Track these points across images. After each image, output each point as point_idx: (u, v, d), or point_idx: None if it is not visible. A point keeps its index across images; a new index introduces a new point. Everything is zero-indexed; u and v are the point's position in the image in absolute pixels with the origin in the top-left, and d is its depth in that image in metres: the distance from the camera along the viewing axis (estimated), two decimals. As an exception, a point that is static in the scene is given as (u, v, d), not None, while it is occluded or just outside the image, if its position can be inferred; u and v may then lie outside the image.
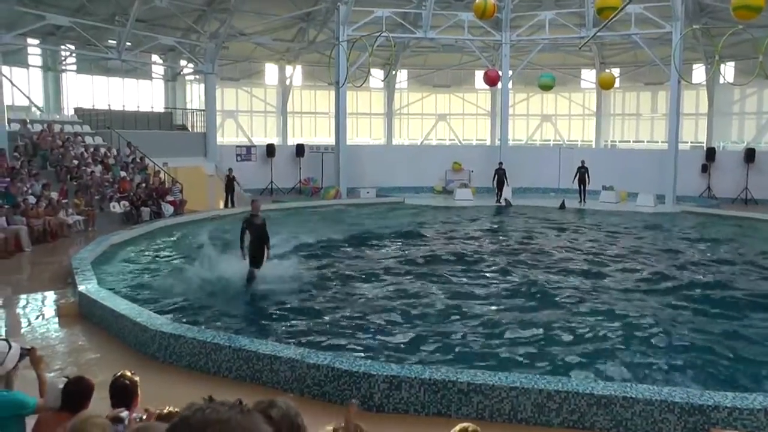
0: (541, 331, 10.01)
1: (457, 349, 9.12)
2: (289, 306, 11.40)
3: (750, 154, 31.32)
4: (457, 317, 10.78)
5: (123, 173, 24.04)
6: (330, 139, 33.67)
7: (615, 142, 38.46)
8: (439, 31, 30.96)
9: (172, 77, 33.53)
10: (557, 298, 12.13)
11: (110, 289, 11.29)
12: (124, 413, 3.68)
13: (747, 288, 13.28)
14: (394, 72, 36.69)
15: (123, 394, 4.06)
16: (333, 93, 31.04)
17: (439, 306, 11.48)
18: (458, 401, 6.68)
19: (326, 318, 10.71)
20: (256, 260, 12.67)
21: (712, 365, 8.68)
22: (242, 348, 7.71)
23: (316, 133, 37.50)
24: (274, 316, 10.86)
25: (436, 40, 32.47)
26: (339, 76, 27.51)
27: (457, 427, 3.51)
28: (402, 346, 9.27)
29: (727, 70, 34.12)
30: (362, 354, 8.72)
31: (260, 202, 13.59)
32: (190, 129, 31.42)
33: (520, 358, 8.80)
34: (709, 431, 6.15)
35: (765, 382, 8.05)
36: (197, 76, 32.72)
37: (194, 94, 34.52)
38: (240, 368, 7.70)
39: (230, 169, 27.09)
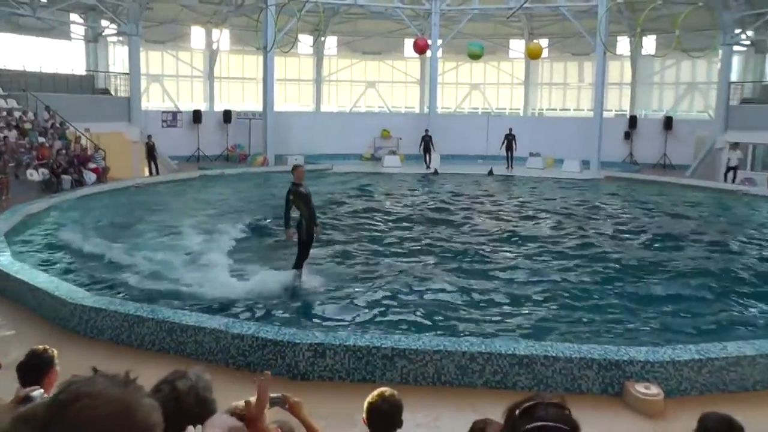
0: (474, 294, 10.33)
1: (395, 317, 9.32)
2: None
3: (668, 122, 32.82)
4: (396, 286, 10.81)
5: (42, 139, 23.05)
6: (258, 106, 33.05)
7: (542, 110, 39.17)
8: (369, -1, 30.67)
9: (94, 38, 32.12)
10: (487, 263, 12.50)
11: (26, 262, 10.72)
12: (37, 392, 3.48)
13: (661, 250, 14.07)
14: (323, 38, 36.21)
15: (33, 371, 3.88)
16: (261, 58, 30.40)
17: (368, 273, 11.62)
18: (383, 366, 6.72)
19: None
20: (306, 244, 10.70)
21: (628, 322, 9.20)
22: (165, 320, 7.51)
23: (244, 99, 36.71)
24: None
25: (366, 7, 32.19)
26: (267, 41, 26.99)
27: (375, 392, 3.50)
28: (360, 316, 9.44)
29: (649, 43, 35.11)
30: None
31: (304, 167, 11.22)
32: (113, 93, 30.29)
33: (451, 322, 9.07)
34: (624, 384, 6.41)
35: (674, 336, 8.52)
36: (120, 38, 31.44)
37: (117, 57, 33.26)
38: (163, 340, 7.51)
39: (149, 136, 26.31)
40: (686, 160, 30.98)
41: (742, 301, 10.37)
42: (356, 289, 10.56)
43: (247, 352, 7.04)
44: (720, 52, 30.29)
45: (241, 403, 2.49)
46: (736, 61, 32.72)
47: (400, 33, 36.10)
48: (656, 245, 14.61)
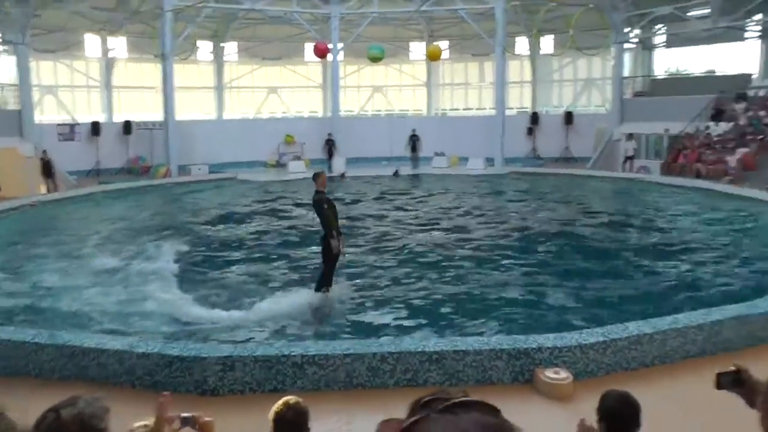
0: (396, 290, 10.52)
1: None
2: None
3: (569, 117, 34.03)
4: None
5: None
6: (159, 115, 32.08)
7: (445, 110, 39.80)
8: (267, 2, 30.32)
9: (-24, 48, 30.50)
10: (400, 258, 12.83)
11: None
12: None
13: (568, 237, 14.72)
14: (222, 44, 35.61)
15: None
16: (160, 66, 29.56)
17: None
18: (293, 375, 6.57)
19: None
20: (336, 258, 9.89)
21: (536, 309, 9.61)
22: (66, 344, 7.03)
23: (144, 108, 35.51)
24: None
25: (265, 12, 31.76)
26: (165, 47, 26.33)
27: (280, 401, 3.43)
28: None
29: (546, 43, 36.35)
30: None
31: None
32: (1, 106, 28.88)
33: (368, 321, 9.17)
34: (533, 371, 6.55)
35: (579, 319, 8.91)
36: (6, 47, 29.92)
37: (3, 68, 31.59)
38: (64, 367, 7.03)
39: (44, 151, 25.13)
40: (587, 152, 32.06)
41: (642, 278, 11.23)
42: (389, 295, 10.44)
43: (154, 372, 6.69)
44: (612, 49, 31.62)
45: (140, 423, 2.37)
46: (627, 58, 34.18)
47: (301, 37, 35.76)
48: (562, 233, 15.21)
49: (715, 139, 25.87)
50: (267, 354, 6.61)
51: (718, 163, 23.77)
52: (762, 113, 26.48)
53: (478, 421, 1.04)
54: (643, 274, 11.53)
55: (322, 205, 9.48)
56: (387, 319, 9.30)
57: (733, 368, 2.60)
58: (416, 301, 10.07)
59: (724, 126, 26.66)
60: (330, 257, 9.69)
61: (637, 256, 12.88)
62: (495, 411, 1.10)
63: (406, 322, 9.15)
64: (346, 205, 19.94)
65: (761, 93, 28.36)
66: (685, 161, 25.22)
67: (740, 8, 27.12)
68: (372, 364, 6.60)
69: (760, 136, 24.83)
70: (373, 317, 9.40)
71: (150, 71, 34.48)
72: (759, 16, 29.44)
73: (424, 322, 9.06)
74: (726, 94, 28.73)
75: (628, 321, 7.39)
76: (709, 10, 28.09)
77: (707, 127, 27.05)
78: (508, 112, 32.77)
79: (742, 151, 23.99)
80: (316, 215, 9.86)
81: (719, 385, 2.60)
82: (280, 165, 32.18)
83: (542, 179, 26.81)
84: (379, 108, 39.88)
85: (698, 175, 23.79)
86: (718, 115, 27.70)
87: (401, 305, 9.89)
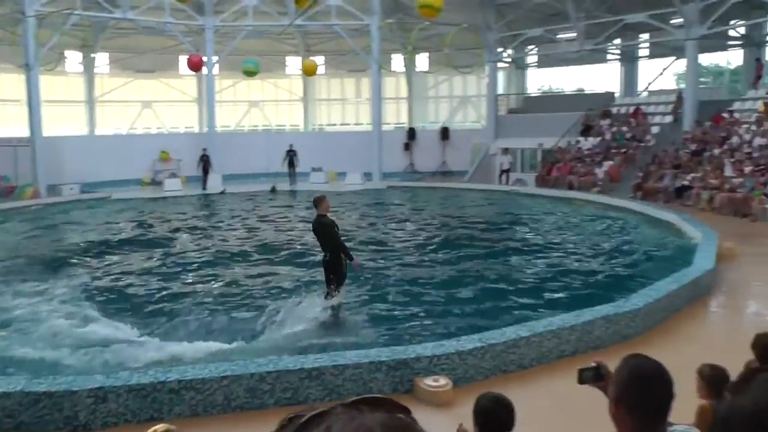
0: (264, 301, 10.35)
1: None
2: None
3: (445, 132, 34.84)
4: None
5: None
6: (24, 130, 29.81)
7: (323, 125, 39.74)
8: (138, 12, 29.24)
9: None
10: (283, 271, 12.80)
11: None
12: None
13: (448, 247, 14.93)
14: (93, 55, 34.06)
15: None
16: (24, 77, 27.59)
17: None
18: (170, 402, 6.22)
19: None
20: (344, 275, 9.95)
21: (416, 319, 9.69)
22: None
23: (7, 123, 33.15)
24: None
25: (137, 22, 30.41)
26: (29, 57, 24.86)
27: (149, 430, 3.23)
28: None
29: (422, 60, 37.13)
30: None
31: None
32: None
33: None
34: (413, 381, 6.57)
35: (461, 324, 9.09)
36: None
37: None
38: None
39: None
40: (464, 166, 32.88)
41: (518, 282, 11.61)
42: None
43: (17, 412, 6.07)
44: (486, 68, 32.62)
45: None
46: (501, 76, 35.52)
47: (175, 50, 34.37)
48: (439, 243, 15.54)
49: (585, 152, 27.14)
50: (141, 382, 6.21)
51: (588, 175, 24.96)
52: (624, 129, 28.09)
53: (385, 421, 0.97)
54: (519, 279, 11.97)
55: (335, 228, 9.65)
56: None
57: (593, 364, 2.68)
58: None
59: (592, 140, 28.08)
60: (341, 274, 9.73)
61: (512, 262, 13.38)
62: (404, 410, 1.05)
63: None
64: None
65: (623, 110, 30.08)
66: (558, 174, 26.30)
67: (602, 33, 28.71)
68: (250, 384, 6.39)
69: (624, 150, 26.29)
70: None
71: (13, 82, 32.13)
72: (618, 41, 31.37)
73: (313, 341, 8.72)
74: (593, 111, 30.36)
75: (506, 326, 7.57)
76: (575, 34, 29.54)
77: (577, 142, 28.39)
78: (385, 128, 33.20)
79: (608, 164, 25.29)
80: (316, 238, 9.88)
81: (581, 380, 2.67)
82: (155, 183, 30.68)
83: (420, 192, 27.26)
84: (256, 123, 39.28)
85: (570, 187, 24.90)
86: (586, 131, 29.17)
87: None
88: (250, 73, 22.45)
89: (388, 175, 31.09)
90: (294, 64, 37.61)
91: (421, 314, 9.93)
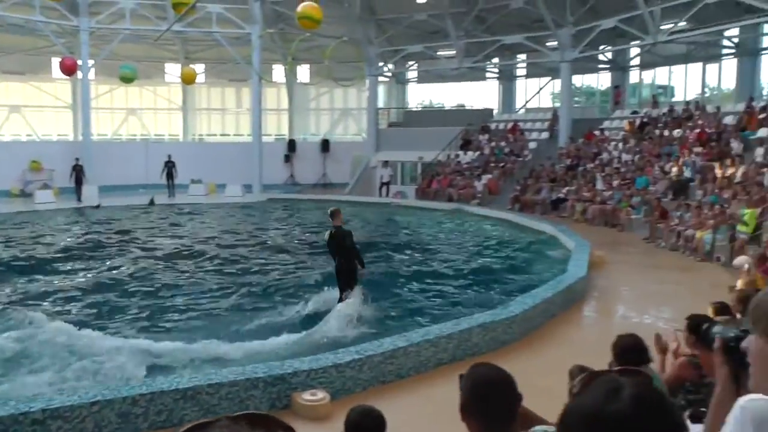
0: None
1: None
2: None
3: (325, 145, 34.87)
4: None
5: None
6: None
7: (203, 135, 38.72)
8: (4, 7, 27.28)
9: None
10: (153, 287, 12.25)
11: None
12: None
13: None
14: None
15: None
16: None
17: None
18: (35, 435, 5.73)
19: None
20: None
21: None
22: None
23: None
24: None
25: (3, 18, 28.27)
26: None
27: None
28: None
29: (304, 71, 36.94)
30: None
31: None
32: None
33: None
34: (291, 396, 6.49)
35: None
36: None
37: None
38: None
39: None
40: (345, 178, 32.97)
41: (398, 291, 11.79)
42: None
43: None
44: (367, 81, 32.79)
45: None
46: (381, 90, 35.90)
47: (47, 51, 32.22)
48: (315, 254, 15.32)
49: (464, 166, 27.75)
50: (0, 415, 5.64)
51: (467, 188, 25.52)
52: (503, 144, 28.97)
53: None
54: (398, 288, 12.10)
55: (353, 241, 10.40)
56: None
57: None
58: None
59: (471, 155, 28.76)
60: (354, 279, 10.39)
61: (392, 272, 13.47)
62: (287, 429, 1.07)
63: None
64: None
65: (501, 126, 31.03)
66: (438, 186, 26.75)
67: (481, 52, 29.56)
68: (122, 409, 5.99)
69: (502, 164, 27.08)
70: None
71: None
72: (496, 60, 32.42)
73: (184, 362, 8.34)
74: (472, 126, 31.17)
75: (384, 336, 7.57)
76: (455, 52, 30.22)
77: (457, 156, 29.00)
78: (265, 139, 32.72)
79: (487, 177, 25.97)
80: (331, 247, 10.50)
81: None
82: (25, 194, 28.55)
83: (301, 205, 27.02)
84: (134, 132, 37.64)
85: (450, 199, 25.38)
86: (466, 145, 29.88)
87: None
88: (127, 79, 21.47)
89: (269, 187, 30.63)
90: (173, 71, 36.04)
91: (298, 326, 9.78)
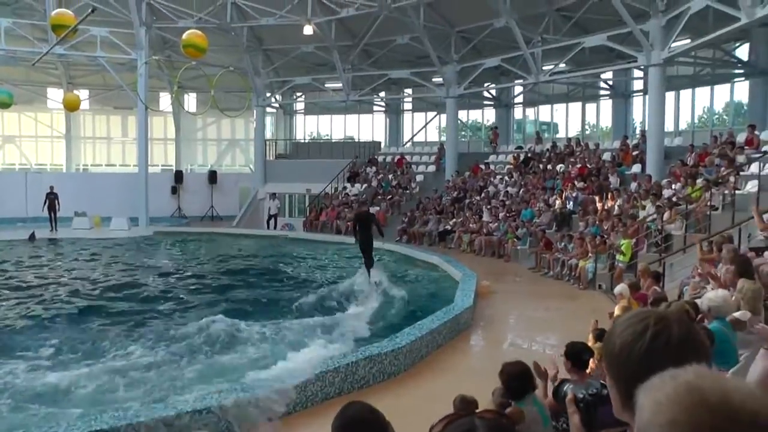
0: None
1: None
2: None
3: (213, 176, 34.12)
4: None
5: None
6: None
7: (87, 165, 36.90)
8: None
9: None
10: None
11: None
12: None
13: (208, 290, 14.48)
14: None
15: None
16: None
17: None
18: None
19: None
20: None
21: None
22: None
23: None
24: None
25: None
26: None
27: None
28: None
29: (191, 101, 36.12)
30: None
31: None
32: None
33: None
34: None
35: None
36: None
37: None
38: None
39: None
40: (233, 210, 32.45)
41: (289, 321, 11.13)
42: None
43: None
44: (254, 112, 32.46)
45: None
46: (269, 121, 35.63)
47: None
48: (197, 290, 15.07)
49: (352, 198, 27.76)
50: None
51: (362, 209, 25.52)
52: (390, 176, 29.24)
53: None
54: (289, 318, 11.86)
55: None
56: None
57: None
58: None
59: (358, 187, 28.84)
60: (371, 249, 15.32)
61: (277, 302, 13.39)
62: None
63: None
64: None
65: (389, 158, 31.34)
66: (326, 218, 26.62)
67: (368, 85, 29.92)
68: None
69: (390, 196, 27.29)
70: None
71: None
72: (383, 94, 32.88)
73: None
74: (360, 159, 31.31)
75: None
76: (342, 84, 30.37)
77: (345, 188, 29.01)
78: (152, 170, 31.68)
79: (375, 210, 25.98)
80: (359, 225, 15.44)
81: None
82: None
83: (188, 238, 26.19)
84: (12, 161, 35.54)
85: (338, 231, 25.30)
86: (353, 177, 29.96)
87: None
88: (3, 105, 20.23)
89: (155, 219, 29.57)
90: (56, 96, 34.48)
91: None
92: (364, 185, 29.04)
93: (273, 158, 33.61)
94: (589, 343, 5.62)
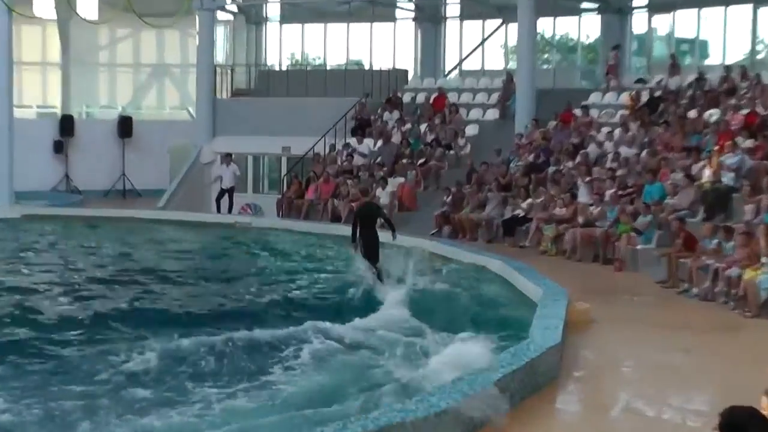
0: None
1: None
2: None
3: (125, 126, 34.33)
4: None
5: None
6: None
7: None
8: None
9: None
10: None
11: None
12: None
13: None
14: None
15: None
16: None
17: None
18: None
19: None
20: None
21: None
22: None
23: None
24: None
25: None
26: None
27: None
28: None
29: (87, 3, 35.96)
30: None
31: None
32: None
33: None
34: None
35: None
36: None
37: None
38: None
39: None
40: (158, 182, 32.66)
41: None
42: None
43: None
44: (197, 19, 32.36)
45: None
46: (221, 35, 35.60)
47: None
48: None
49: (359, 163, 27.60)
50: None
51: (364, 199, 25.27)
52: (423, 127, 29.01)
53: None
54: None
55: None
56: None
57: None
58: None
59: (370, 144, 28.65)
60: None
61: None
62: None
63: None
64: None
65: (420, 98, 31.14)
66: (316, 196, 26.57)
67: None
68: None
69: (422, 161, 27.10)
70: None
71: None
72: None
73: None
74: (373, 98, 31.20)
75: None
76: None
77: (348, 146, 28.86)
78: (20, 113, 32.07)
79: (397, 182, 25.89)
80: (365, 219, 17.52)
81: None
82: None
83: (80, 227, 26.28)
84: None
85: (336, 218, 25.05)
86: (362, 129, 29.81)
87: None
88: None
89: (26, 195, 29.96)
90: None
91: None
92: (380, 142, 28.86)
93: (228, 96, 33.57)
94: (763, 408, 5.48)
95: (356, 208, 19.10)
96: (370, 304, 15.44)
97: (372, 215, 17.51)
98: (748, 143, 21.14)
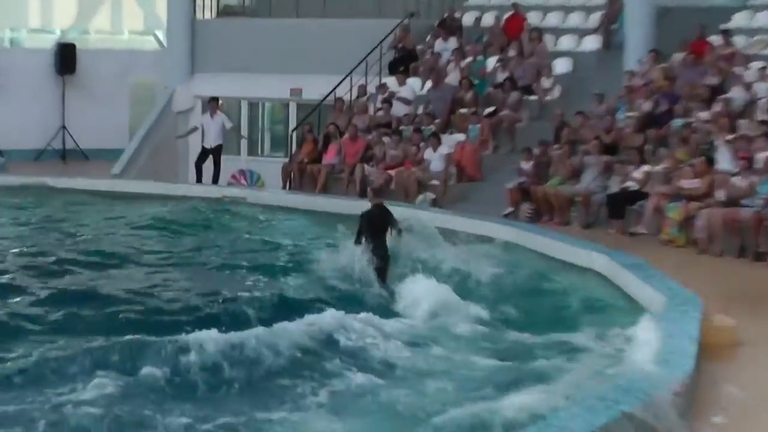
0: None
1: None
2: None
3: (66, 58, 34.58)
4: None
5: None
6: None
7: None
8: None
9: None
10: None
11: None
12: None
13: None
14: None
15: None
16: None
17: None
18: None
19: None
20: None
21: None
22: None
23: None
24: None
25: None
26: None
27: None
28: None
29: None
30: None
31: None
32: None
33: None
34: None
35: None
36: None
37: None
38: None
39: None
40: (113, 138, 33.13)
41: None
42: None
43: None
44: None
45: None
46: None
47: None
48: None
49: (401, 114, 27.57)
50: None
51: (408, 165, 25.32)
52: (491, 60, 28.91)
53: None
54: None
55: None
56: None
57: None
58: None
59: (415, 85, 28.65)
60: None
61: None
62: None
63: None
64: None
65: (487, 19, 31.10)
66: (338, 160, 26.60)
67: None
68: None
69: (490, 110, 27.00)
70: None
71: None
72: None
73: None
74: (419, 18, 31.31)
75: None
76: None
77: (383, 86, 28.84)
78: None
79: (455, 140, 25.78)
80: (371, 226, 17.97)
81: None
82: None
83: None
84: None
85: (364, 190, 24.99)
86: (404, 63, 29.74)
87: None
88: None
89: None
90: None
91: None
92: (429, 82, 28.84)
93: (213, 16, 33.66)
94: None
95: (362, 211, 18.60)
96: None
97: (383, 223, 17.73)
98: None
